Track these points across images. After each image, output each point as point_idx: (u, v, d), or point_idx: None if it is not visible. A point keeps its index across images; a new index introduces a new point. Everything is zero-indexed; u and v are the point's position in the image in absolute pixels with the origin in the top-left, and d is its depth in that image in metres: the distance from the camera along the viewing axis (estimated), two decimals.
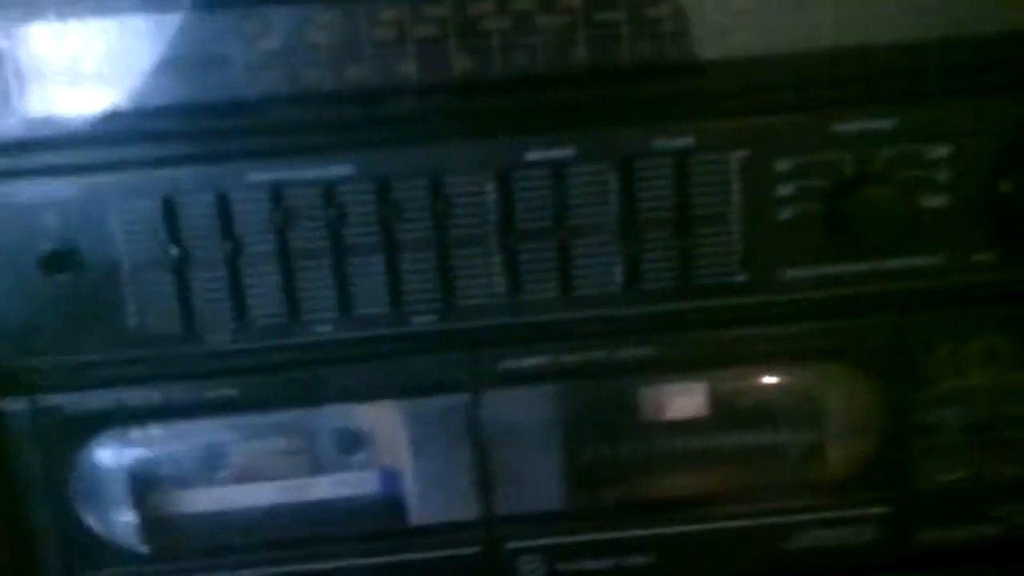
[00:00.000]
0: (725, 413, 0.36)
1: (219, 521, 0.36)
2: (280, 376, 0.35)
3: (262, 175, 0.32)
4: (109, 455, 0.35)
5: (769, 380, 0.36)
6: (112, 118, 0.32)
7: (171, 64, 0.30)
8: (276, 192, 0.32)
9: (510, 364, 0.35)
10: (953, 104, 0.33)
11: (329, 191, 0.32)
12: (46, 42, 0.30)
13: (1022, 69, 0.32)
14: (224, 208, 0.32)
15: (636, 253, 0.33)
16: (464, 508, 0.36)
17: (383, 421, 0.35)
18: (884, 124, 0.33)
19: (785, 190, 0.33)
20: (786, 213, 0.33)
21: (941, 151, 0.33)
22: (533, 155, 0.33)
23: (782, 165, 0.33)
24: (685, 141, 0.32)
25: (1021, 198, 0.33)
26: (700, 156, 0.32)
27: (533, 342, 0.35)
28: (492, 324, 0.34)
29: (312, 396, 0.35)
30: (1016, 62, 0.32)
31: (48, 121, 0.31)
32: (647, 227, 0.33)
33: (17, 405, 0.34)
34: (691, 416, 0.36)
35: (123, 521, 0.35)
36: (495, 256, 0.33)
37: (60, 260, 0.32)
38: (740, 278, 0.34)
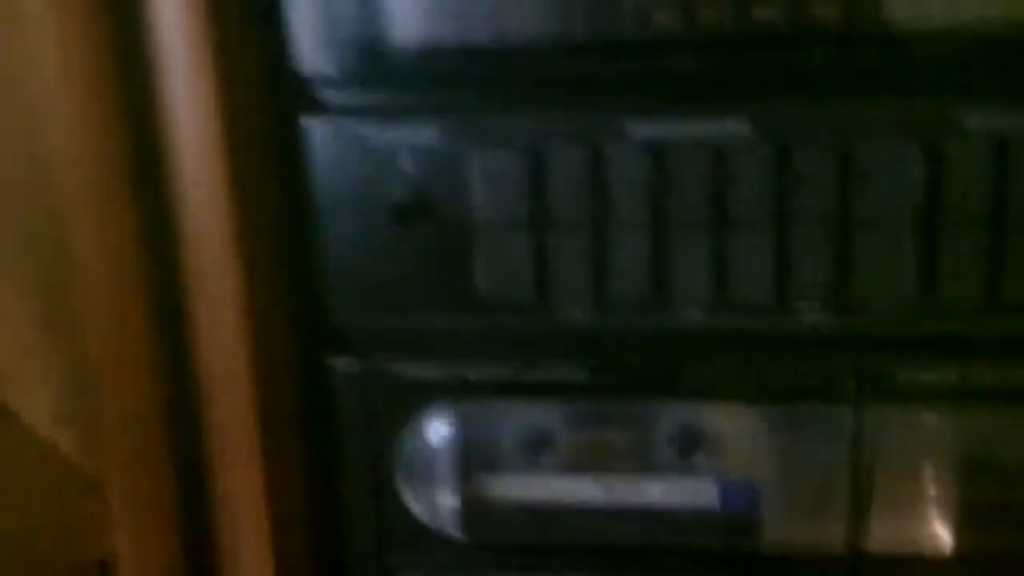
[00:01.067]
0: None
1: (543, 516, 0.33)
2: (636, 362, 0.31)
3: (643, 130, 0.29)
4: (439, 430, 0.33)
5: None
6: (480, 57, 0.30)
7: None
8: (657, 150, 0.29)
9: (908, 377, 0.30)
10: None
11: (719, 152, 0.29)
12: None
13: None
14: (596, 166, 0.29)
15: None
16: (828, 540, 0.32)
17: (744, 425, 0.32)
18: None
19: None
20: None
21: None
22: (971, 122, 0.28)
23: None
24: None
25: None
26: None
27: (940, 354, 0.30)
28: (894, 327, 0.29)
29: (669, 389, 0.31)
30: None
31: (413, 56, 0.29)
32: None
33: (348, 366, 0.33)
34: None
35: (445, 504, 0.33)
36: (910, 244, 0.28)
37: (413, 211, 0.30)
38: None
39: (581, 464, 0.33)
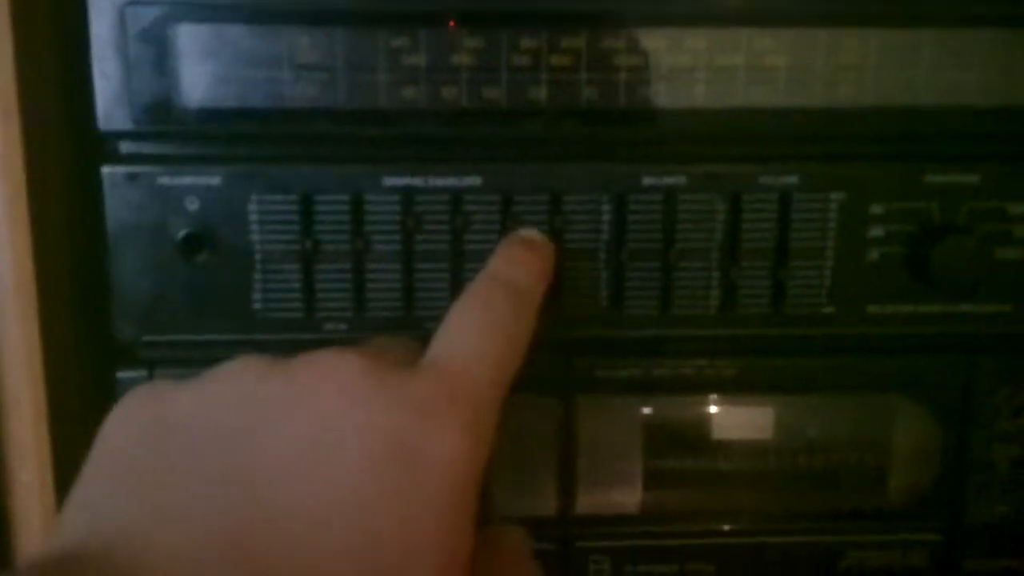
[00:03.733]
0: (796, 435, 0.51)
1: None
2: None
3: (397, 180, 0.45)
4: None
5: (841, 407, 0.51)
6: (258, 117, 0.42)
7: (320, 71, 0.43)
8: (407, 197, 0.45)
9: (604, 373, 0.48)
10: None
11: (457, 199, 0.45)
12: (205, 42, 0.41)
13: None
14: (358, 208, 0.45)
15: (732, 279, 0.47)
16: (544, 506, 0.50)
17: None
18: (972, 179, 0.47)
19: (876, 232, 0.47)
20: (875, 253, 0.47)
21: (1020, 208, 0.47)
22: (648, 180, 0.46)
23: (876, 209, 0.47)
24: (790, 180, 0.46)
25: None
26: (803, 195, 0.46)
27: (629, 355, 0.48)
28: (590, 335, 0.48)
29: None
30: None
31: (201, 114, 0.44)
32: (747, 255, 0.47)
33: (135, 376, 0.47)
34: (764, 436, 0.51)
35: None
36: (604, 271, 0.47)
37: (197, 243, 0.45)
38: (827, 309, 0.48)
39: None
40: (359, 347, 0.34)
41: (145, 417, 0.31)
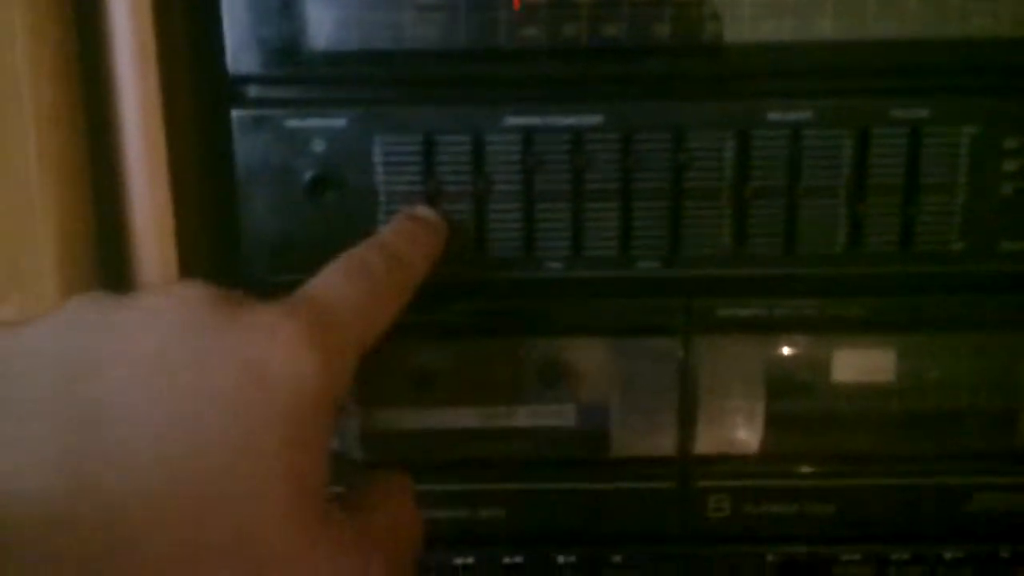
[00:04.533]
0: (922, 375, 0.52)
1: (428, 439, 0.52)
2: (510, 306, 0.49)
3: (517, 120, 0.47)
4: None
5: (970, 346, 0.52)
6: (381, 59, 0.45)
7: (440, 11, 0.46)
8: (529, 136, 0.47)
9: (725, 312, 0.51)
10: None
11: (577, 139, 0.47)
12: None
13: None
14: (479, 149, 0.47)
15: (861, 216, 0.48)
16: (664, 445, 0.52)
17: (595, 356, 0.51)
18: None
19: (1009, 166, 0.48)
20: (1008, 187, 0.48)
21: None
22: (773, 116, 0.48)
23: (1011, 142, 0.48)
24: (921, 113, 0.47)
25: None
26: (933, 127, 0.47)
27: (751, 295, 0.50)
28: (712, 274, 0.50)
29: (537, 329, 0.50)
30: None
31: (326, 58, 0.46)
32: (876, 191, 0.48)
33: None
34: (889, 377, 0.52)
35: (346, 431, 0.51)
36: (726, 209, 0.49)
37: (323, 184, 0.48)
38: (958, 246, 0.49)
39: (462, 396, 0.52)
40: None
41: None
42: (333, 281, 0.36)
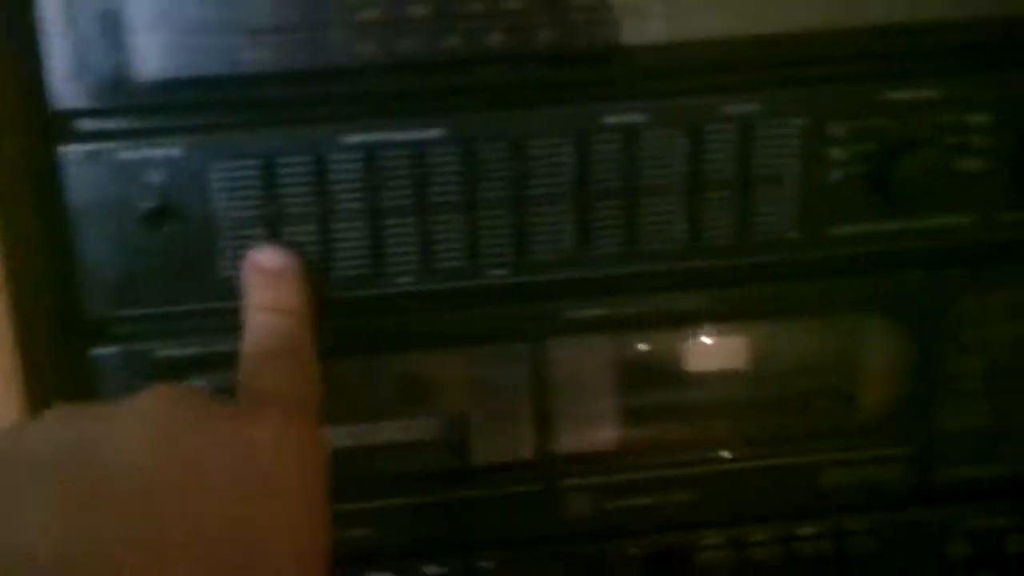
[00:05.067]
0: (769, 362, 0.56)
1: None
2: (363, 324, 0.51)
3: (356, 138, 0.48)
4: None
5: (811, 330, 0.56)
6: (214, 85, 0.45)
7: (273, 32, 0.47)
8: (369, 154, 0.48)
9: (573, 314, 0.53)
10: (991, 76, 0.49)
11: (418, 153, 0.48)
12: (155, 11, 0.44)
13: None
14: (319, 169, 0.47)
15: (698, 211, 0.50)
16: (524, 447, 0.54)
17: (455, 368, 0.52)
18: (930, 93, 0.51)
19: (838, 153, 0.52)
20: (837, 174, 0.52)
21: (979, 119, 0.52)
22: (609, 119, 0.50)
23: (837, 130, 0.52)
24: (751, 107, 0.51)
25: None
26: (764, 121, 0.51)
27: (596, 295, 0.53)
28: (560, 278, 0.52)
29: (392, 343, 0.51)
30: None
31: (156, 86, 0.47)
32: (712, 187, 0.51)
33: (109, 352, 0.50)
34: (736, 365, 0.56)
35: None
36: (569, 214, 0.51)
37: (161, 216, 0.48)
38: (792, 234, 0.53)
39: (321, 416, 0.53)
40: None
41: None
42: (264, 371, 0.40)
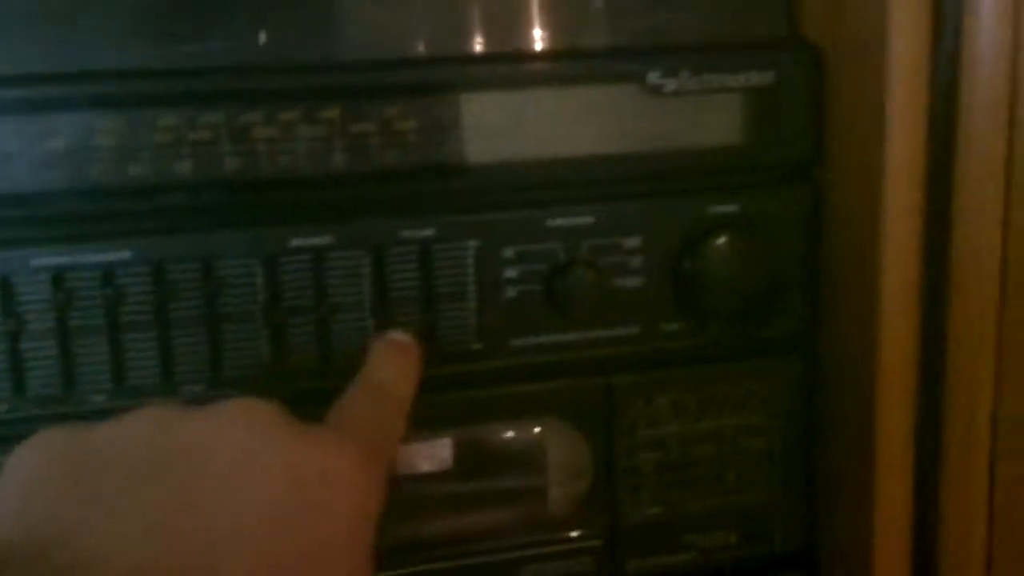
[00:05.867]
0: (465, 463, 0.58)
1: None
2: None
3: (45, 260, 0.49)
4: None
5: (500, 434, 0.59)
6: None
7: None
8: (58, 275, 0.49)
9: None
10: (642, 203, 0.54)
11: (108, 274, 0.50)
12: None
13: (695, 178, 0.55)
14: (7, 290, 0.49)
15: (387, 327, 0.54)
16: None
17: None
18: (587, 220, 0.56)
19: (511, 273, 0.55)
20: (512, 292, 0.56)
21: (633, 241, 0.56)
22: (296, 242, 0.53)
23: (508, 252, 0.55)
24: (428, 232, 0.54)
25: (697, 277, 0.57)
26: (441, 245, 0.54)
27: (294, 407, 0.54)
28: (256, 391, 0.53)
29: None
30: (690, 173, 0.55)
31: None
32: (398, 304, 0.54)
33: None
34: (434, 467, 0.58)
35: None
36: (262, 331, 0.53)
37: None
38: (476, 346, 0.56)
39: None
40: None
41: (57, 447, 0.34)
42: (359, 409, 0.42)
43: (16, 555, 0.30)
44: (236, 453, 0.34)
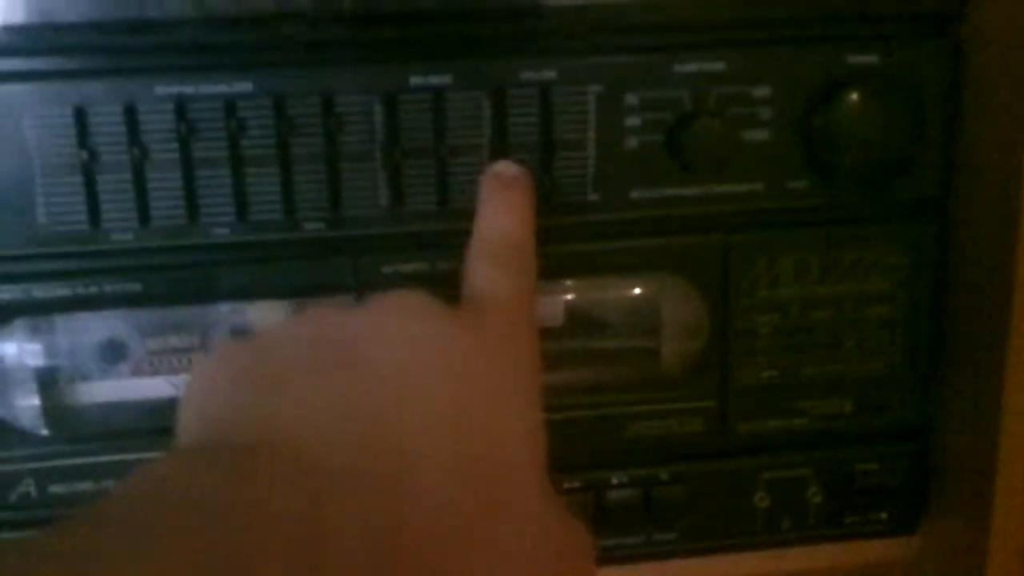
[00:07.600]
0: (577, 318, 0.54)
1: (116, 410, 0.50)
2: (179, 274, 0.48)
3: (168, 89, 0.46)
4: (16, 345, 0.48)
5: (614, 289, 0.54)
6: (27, 32, 0.43)
7: None
8: (180, 105, 0.46)
9: (389, 269, 0.51)
10: (774, 50, 0.49)
11: (230, 106, 0.47)
12: None
13: (829, 23, 0.49)
14: (132, 118, 0.46)
15: None
16: None
17: (276, 318, 0.51)
18: (716, 66, 0.50)
19: (633, 121, 0.50)
20: (633, 141, 0.51)
21: (763, 91, 0.51)
22: (415, 80, 0.48)
23: (631, 99, 0.50)
24: (549, 74, 0.49)
25: (829, 132, 0.51)
26: (561, 88, 0.49)
27: (411, 250, 0.51)
28: (374, 232, 0.50)
29: (208, 294, 0.48)
30: (825, 17, 0.49)
31: None
32: (515, 149, 0.49)
33: None
34: (549, 324, 0.54)
35: (27, 406, 0.49)
36: (379, 171, 0.49)
37: None
38: (593, 197, 0.51)
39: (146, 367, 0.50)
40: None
41: (230, 354, 0.33)
42: (494, 277, 0.39)
43: (197, 444, 0.30)
44: (403, 340, 0.32)
